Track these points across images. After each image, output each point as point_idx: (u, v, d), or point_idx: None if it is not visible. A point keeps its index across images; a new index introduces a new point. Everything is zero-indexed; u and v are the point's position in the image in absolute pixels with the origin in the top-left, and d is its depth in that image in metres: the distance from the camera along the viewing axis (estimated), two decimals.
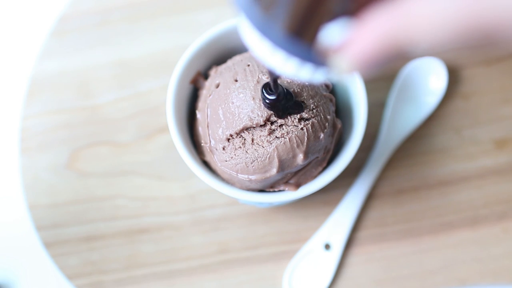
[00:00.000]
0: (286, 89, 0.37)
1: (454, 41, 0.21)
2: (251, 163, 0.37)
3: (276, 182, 0.39)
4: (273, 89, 0.35)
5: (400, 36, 0.21)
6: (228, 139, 0.38)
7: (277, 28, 0.23)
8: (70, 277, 0.47)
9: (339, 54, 0.23)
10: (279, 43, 0.23)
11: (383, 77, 0.50)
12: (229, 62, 0.40)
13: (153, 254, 0.47)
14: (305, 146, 0.37)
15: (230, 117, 0.37)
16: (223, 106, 0.38)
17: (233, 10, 0.23)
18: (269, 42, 0.24)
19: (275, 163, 0.37)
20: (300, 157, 0.37)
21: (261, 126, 0.37)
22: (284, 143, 0.37)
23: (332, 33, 0.22)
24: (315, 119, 0.37)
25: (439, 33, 0.20)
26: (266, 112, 0.36)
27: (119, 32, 0.51)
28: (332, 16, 0.22)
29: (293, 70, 0.25)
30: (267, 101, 0.36)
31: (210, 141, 0.39)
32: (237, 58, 0.40)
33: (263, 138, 0.37)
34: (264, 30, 0.23)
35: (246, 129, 0.37)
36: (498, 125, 0.49)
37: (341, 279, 0.47)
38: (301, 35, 0.23)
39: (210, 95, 0.39)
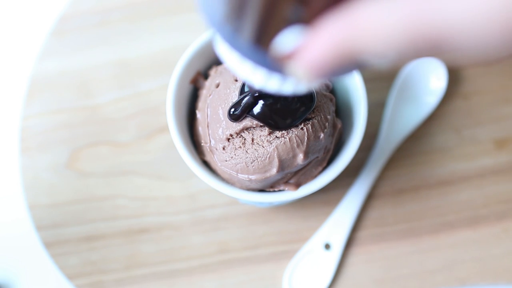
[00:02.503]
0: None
1: (403, 51, 0.21)
2: (251, 163, 0.37)
3: (276, 182, 0.39)
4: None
5: (350, 44, 0.22)
6: (228, 139, 0.38)
7: (241, 38, 0.24)
8: (70, 277, 0.47)
9: (293, 61, 0.23)
10: (244, 53, 0.24)
11: (383, 77, 0.50)
12: None
13: (153, 254, 0.47)
14: (305, 146, 0.37)
15: None
16: (223, 106, 0.38)
17: (205, 25, 0.25)
18: (236, 52, 0.25)
19: (275, 163, 0.37)
20: (300, 157, 0.37)
21: (261, 126, 0.37)
22: (284, 143, 0.37)
23: (285, 40, 0.23)
24: (315, 119, 0.37)
25: (386, 43, 0.21)
26: None
27: (119, 32, 0.51)
28: (287, 24, 0.23)
29: (261, 81, 0.26)
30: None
31: (210, 141, 0.39)
32: None
33: (263, 138, 0.37)
34: (230, 41, 0.24)
35: (246, 129, 0.37)
36: (498, 125, 0.49)
37: (341, 279, 0.47)
38: (261, 44, 0.24)
39: (210, 95, 0.39)
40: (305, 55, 0.23)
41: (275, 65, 0.24)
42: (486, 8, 0.19)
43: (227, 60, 0.26)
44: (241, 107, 0.36)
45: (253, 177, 0.38)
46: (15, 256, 0.48)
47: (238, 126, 0.37)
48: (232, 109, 0.37)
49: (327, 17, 0.22)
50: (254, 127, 0.37)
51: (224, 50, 0.26)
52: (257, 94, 0.36)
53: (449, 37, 0.20)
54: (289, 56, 0.23)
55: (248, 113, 0.36)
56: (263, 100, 0.36)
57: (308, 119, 0.37)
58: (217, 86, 0.39)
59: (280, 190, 0.40)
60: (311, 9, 0.22)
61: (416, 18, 0.20)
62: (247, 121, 0.37)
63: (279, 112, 0.36)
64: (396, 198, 0.48)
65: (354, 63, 0.23)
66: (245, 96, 0.36)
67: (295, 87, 0.26)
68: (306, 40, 0.23)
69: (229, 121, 0.37)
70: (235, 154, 0.38)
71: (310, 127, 0.37)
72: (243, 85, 0.37)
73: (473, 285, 0.47)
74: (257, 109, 0.36)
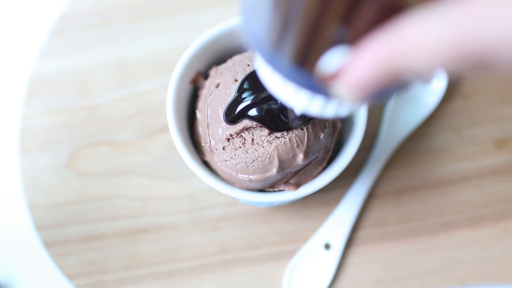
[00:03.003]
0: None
1: (448, 66, 0.21)
2: (251, 163, 0.37)
3: (276, 182, 0.39)
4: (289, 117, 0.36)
5: (395, 62, 0.22)
6: (228, 139, 0.38)
7: (284, 60, 0.24)
8: (70, 277, 0.47)
9: (337, 81, 0.23)
10: (286, 75, 0.24)
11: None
12: (229, 62, 0.40)
13: (153, 254, 0.47)
14: (305, 146, 0.37)
15: None
16: (223, 106, 0.38)
17: (250, 50, 0.25)
18: (278, 74, 0.25)
19: (275, 163, 0.37)
20: (300, 157, 0.37)
21: (261, 126, 0.37)
22: (284, 143, 0.37)
23: (331, 61, 0.23)
24: (315, 119, 0.37)
25: (433, 60, 0.21)
26: None
27: (119, 32, 0.51)
28: (332, 44, 0.23)
29: (305, 103, 0.26)
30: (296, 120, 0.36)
31: (210, 141, 0.39)
32: (237, 58, 0.40)
33: (263, 138, 0.37)
34: (273, 63, 0.24)
35: (246, 129, 0.37)
36: (498, 125, 0.49)
37: (341, 279, 0.47)
38: (305, 65, 0.23)
39: (210, 95, 0.39)
40: (350, 74, 0.23)
41: (319, 87, 0.24)
42: None
43: (269, 84, 0.26)
44: (237, 111, 0.36)
45: (253, 177, 0.38)
46: (15, 256, 0.48)
47: (238, 126, 0.37)
48: (228, 113, 0.37)
49: (372, 37, 0.22)
50: (254, 127, 0.37)
51: (266, 73, 0.26)
52: (255, 96, 0.36)
53: (495, 52, 0.20)
54: (333, 77, 0.23)
55: (246, 115, 0.36)
56: (263, 102, 0.36)
57: (308, 119, 0.37)
58: (217, 86, 0.39)
59: (280, 190, 0.40)
60: (355, 29, 0.22)
61: (461, 33, 0.20)
62: (247, 121, 0.37)
63: (279, 114, 0.36)
64: (396, 198, 0.48)
65: (399, 83, 0.23)
66: (242, 99, 0.37)
67: (337, 109, 0.26)
68: (350, 60, 0.23)
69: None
70: (235, 154, 0.38)
71: (310, 127, 0.37)
72: (241, 84, 0.37)
73: (473, 285, 0.47)
74: (257, 111, 0.36)
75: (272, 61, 0.24)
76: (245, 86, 0.37)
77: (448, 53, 0.21)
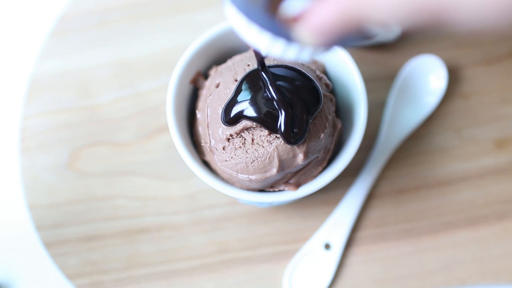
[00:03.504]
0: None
1: (406, 19, 0.22)
2: (251, 163, 0.37)
3: (276, 182, 0.39)
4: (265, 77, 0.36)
5: (356, 11, 0.22)
6: (228, 139, 0.38)
7: (248, 1, 0.24)
8: (70, 277, 0.47)
9: (299, 24, 0.24)
10: (250, 16, 0.25)
11: (383, 77, 0.50)
12: (229, 62, 0.40)
13: (153, 254, 0.47)
14: (305, 146, 0.37)
15: None
16: (223, 105, 0.38)
17: None
18: (244, 16, 0.25)
19: (275, 163, 0.37)
20: (300, 157, 0.37)
21: (260, 125, 0.37)
22: (284, 143, 0.37)
23: (293, 4, 0.24)
24: (315, 119, 0.37)
25: (392, 12, 0.22)
26: None
27: (119, 32, 0.51)
28: None
29: (266, 45, 0.26)
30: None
31: (210, 141, 0.39)
32: (237, 58, 0.40)
33: (263, 138, 0.37)
34: (239, 4, 0.25)
35: (246, 129, 0.37)
36: (498, 125, 0.49)
37: (341, 279, 0.47)
38: (268, 7, 0.24)
39: (210, 95, 0.39)
40: (312, 19, 0.23)
41: (281, 29, 0.25)
42: None
43: (235, 24, 0.27)
44: (235, 113, 0.36)
45: (253, 177, 0.38)
46: (15, 256, 0.48)
47: (238, 126, 0.37)
48: (225, 114, 0.37)
49: None
50: (254, 127, 0.37)
51: (232, 14, 0.26)
52: (252, 96, 0.36)
53: (451, 9, 0.21)
54: (295, 20, 0.24)
55: (243, 115, 0.36)
56: (261, 103, 0.36)
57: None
58: (217, 86, 0.39)
59: (280, 190, 0.40)
60: None
61: None
62: (247, 121, 0.37)
63: (278, 114, 0.36)
64: (396, 198, 0.48)
65: (358, 32, 0.23)
66: (238, 100, 0.36)
67: (298, 53, 0.26)
68: (313, 4, 0.23)
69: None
70: (235, 154, 0.38)
71: (310, 127, 0.37)
72: (239, 85, 0.37)
73: (473, 285, 0.47)
74: (255, 112, 0.36)
75: (238, 4, 0.25)
76: (242, 86, 0.37)
77: (406, 8, 0.21)
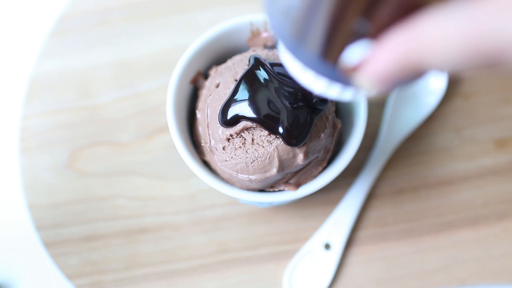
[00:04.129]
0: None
1: (464, 62, 0.22)
2: (251, 163, 0.37)
3: (276, 182, 0.39)
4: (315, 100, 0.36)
5: (414, 57, 0.23)
6: (228, 139, 0.38)
7: (307, 52, 0.25)
8: (70, 277, 0.47)
9: (359, 73, 0.25)
10: (307, 63, 0.26)
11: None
12: (229, 62, 0.40)
13: (153, 254, 0.47)
14: (305, 146, 0.37)
15: None
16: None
17: (274, 39, 0.26)
18: (299, 62, 0.26)
19: (275, 163, 0.37)
20: (300, 157, 0.37)
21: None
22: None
23: (353, 53, 0.24)
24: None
25: (449, 55, 0.22)
26: None
27: (119, 32, 0.51)
28: (354, 38, 0.24)
29: (323, 88, 0.27)
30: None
31: (210, 141, 0.39)
32: (237, 58, 0.40)
33: (263, 138, 0.37)
34: (296, 53, 0.26)
35: (246, 129, 0.37)
36: (498, 125, 0.49)
37: (341, 279, 0.47)
38: (327, 57, 0.25)
39: (210, 95, 0.39)
40: (371, 67, 0.24)
41: (340, 77, 0.26)
42: None
43: (290, 68, 0.28)
44: (232, 115, 0.36)
45: (253, 177, 0.38)
46: (15, 256, 0.48)
47: (238, 126, 0.37)
48: (222, 115, 0.37)
49: (392, 31, 0.23)
50: (254, 127, 0.37)
51: (288, 59, 0.27)
52: (250, 97, 0.36)
53: (508, 51, 0.21)
54: (355, 69, 0.25)
55: (241, 116, 0.36)
56: (258, 103, 0.36)
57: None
58: (217, 86, 0.39)
59: (280, 190, 0.40)
60: (377, 23, 0.23)
61: (476, 31, 0.21)
62: (247, 121, 0.37)
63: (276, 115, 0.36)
64: (396, 198, 0.48)
65: (417, 74, 0.24)
66: (235, 101, 0.36)
67: (354, 95, 0.27)
68: (372, 53, 0.24)
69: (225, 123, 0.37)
70: (235, 154, 0.38)
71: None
72: (237, 85, 0.37)
73: (473, 285, 0.47)
74: (253, 113, 0.36)
75: (294, 50, 0.26)
76: (241, 86, 0.37)
77: (464, 51, 0.22)
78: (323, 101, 0.36)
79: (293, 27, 0.25)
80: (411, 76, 0.24)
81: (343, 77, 0.25)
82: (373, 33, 0.24)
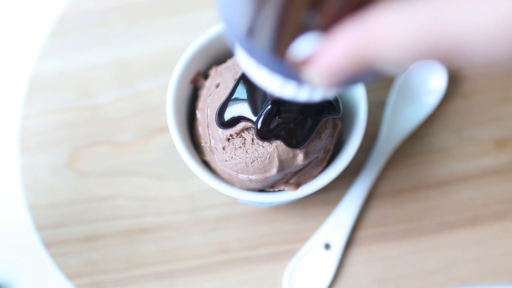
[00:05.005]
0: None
1: (416, 58, 0.22)
2: (251, 163, 0.37)
3: (276, 182, 0.39)
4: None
5: (365, 51, 0.22)
6: (228, 139, 0.38)
7: (258, 46, 0.24)
8: (70, 277, 0.47)
9: (308, 67, 0.24)
10: (260, 60, 0.25)
11: (382, 77, 0.50)
12: (229, 62, 0.40)
13: (153, 254, 0.47)
14: (305, 146, 0.37)
15: None
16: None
17: (227, 37, 0.26)
18: (252, 60, 0.25)
19: (275, 163, 0.37)
20: (300, 157, 0.37)
21: None
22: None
23: (302, 46, 0.23)
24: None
25: (400, 52, 0.22)
26: None
27: (119, 32, 0.51)
28: (303, 31, 0.23)
29: (277, 87, 0.26)
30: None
31: (210, 141, 0.39)
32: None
33: None
34: (247, 49, 0.25)
35: (246, 129, 0.37)
36: (498, 125, 0.49)
37: (341, 279, 0.47)
38: (277, 51, 0.24)
39: (210, 95, 0.39)
40: (321, 61, 0.23)
41: (291, 72, 0.24)
42: (495, 22, 0.20)
43: (245, 67, 0.27)
44: (230, 118, 0.36)
45: (253, 177, 0.38)
46: (15, 256, 0.48)
47: (238, 126, 0.37)
48: (219, 116, 0.37)
49: (343, 24, 0.22)
50: (254, 127, 0.37)
51: (242, 57, 0.26)
52: (248, 98, 0.36)
53: (461, 49, 0.21)
54: (304, 62, 0.24)
55: (238, 117, 0.36)
56: (256, 104, 0.36)
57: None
58: (217, 86, 0.39)
59: (280, 190, 0.40)
60: (326, 15, 0.22)
61: (430, 29, 0.21)
62: (247, 122, 0.37)
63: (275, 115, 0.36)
64: (396, 198, 0.48)
65: (368, 71, 0.23)
66: (236, 101, 0.36)
67: (310, 95, 0.26)
68: (322, 46, 0.23)
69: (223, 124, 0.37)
70: (235, 154, 0.38)
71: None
72: (235, 87, 0.37)
73: (473, 285, 0.47)
74: (252, 113, 0.36)
75: (246, 47, 0.25)
76: (238, 88, 0.37)
77: (416, 47, 0.21)
78: (278, 102, 0.35)
79: (243, 22, 0.24)
80: (363, 72, 0.23)
81: (295, 73, 0.24)
82: (324, 25, 0.23)
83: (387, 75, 0.24)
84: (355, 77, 0.23)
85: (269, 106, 0.35)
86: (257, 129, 0.36)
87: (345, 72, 0.23)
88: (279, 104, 0.35)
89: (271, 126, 0.36)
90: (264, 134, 0.36)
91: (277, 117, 0.36)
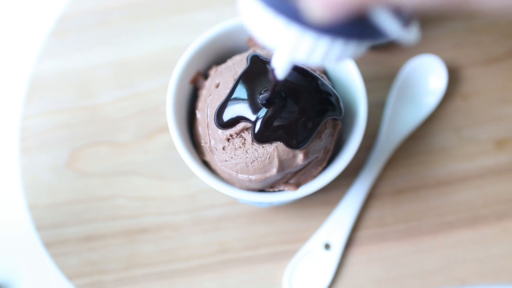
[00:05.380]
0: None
1: (427, 3, 0.22)
2: (251, 163, 0.37)
3: (276, 182, 0.39)
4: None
5: None
6: (228, 139, 0.38)
7: None
8: (70, 277, 0.47)
9: None
10: (271, 4, 0.24)
11: (382, 77, 0.50)
12: (229, 62, 0.40)
13: (153, 254, 0.47)
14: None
15: None
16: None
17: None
18: (259, 3, 0.25)
19: (275, 163, 0.37)
20: (300, 157, 0.37)
21: None
22: None
23: None
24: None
25: None
26: None
27: (119, 32, 0.51)
28: None
29: (293, 41, 0.26)
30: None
31: (210, 141, 0.39)
32: (237, 58, 0.40)
33: None
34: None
35: (246, 129, 0.37)
36: (498, 125, 0.49)
37: (341, 279, 0.47)
38: None
39: (210, 95, 0.39)
40: None
41: (294, 11, 0.24)
42: None
43: (249, 20, 0.26)
44: (229, 119, 0.36)
45: (253, 177, 0.38)
46: (15, 256, 0.48)
47: (238, 126, 0.37)
48: (218, 117, 0.37)
49: None
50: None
51: (246, 7, 0.26)
52: (247, 98, 0.36)
53: None
54: None
55: (237, 117, 0.36)
56: (254, 104, 0.36)
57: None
58: (217, 86, 0.39)
59: (280, 190, 0.40)
60: None
61: None
62: (247, 122, 0.37)
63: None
64: (396, 198, 0.48)
65: (370, 23, 0.23)
66: (235, 102, 0.36)
67: (325, 56, 0.26)
68: None
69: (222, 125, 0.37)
70: (235, 154, 0.38)
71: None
72: (234, 86, 0.37)
73: (473, 285, 0.47)
74: (252, 114, 0.36)
75: None
76: (237, 88, 0.37)
77: None
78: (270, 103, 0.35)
79: None
80: (364, 24, 0.23)
81: (299, 13, 0.24)
82: None
83: (385, 38, 0.24)
84: (353, 13, 0.23)
85: (265, 111, 0.35)
86: (254, 134, 0.36)
87: (346, 7, 0.23)
88: (277, 104, 0.35)
89: (267, 131, 0.36)
90: (261, 138, 0.36)
91: (275, 120, 0.36)
